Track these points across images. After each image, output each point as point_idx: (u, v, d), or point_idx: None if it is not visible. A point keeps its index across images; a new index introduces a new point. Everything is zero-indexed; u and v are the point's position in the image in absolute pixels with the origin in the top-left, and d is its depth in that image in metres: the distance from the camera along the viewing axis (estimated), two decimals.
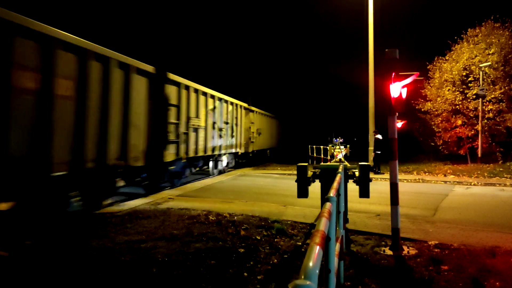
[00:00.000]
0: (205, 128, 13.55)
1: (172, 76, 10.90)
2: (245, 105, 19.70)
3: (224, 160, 16.62)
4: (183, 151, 11.57)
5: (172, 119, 10.86)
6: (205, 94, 13.61)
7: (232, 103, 17.12)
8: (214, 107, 14.62)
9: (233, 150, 17.53)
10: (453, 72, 20.62)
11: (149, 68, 9.66)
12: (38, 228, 6.08)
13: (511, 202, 9.54)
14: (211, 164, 15.16)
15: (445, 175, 15.54)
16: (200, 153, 13.13)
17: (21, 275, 4.29)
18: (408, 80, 5.59)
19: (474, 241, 5.65)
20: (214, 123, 14.50)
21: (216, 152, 14.95)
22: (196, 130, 12.67)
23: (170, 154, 10.65)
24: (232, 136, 17.17)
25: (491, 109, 19.46)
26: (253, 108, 21.10)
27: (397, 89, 5.46)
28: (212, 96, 14.41)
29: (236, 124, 17.82)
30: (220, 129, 15.29)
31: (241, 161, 19.68)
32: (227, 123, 16.25)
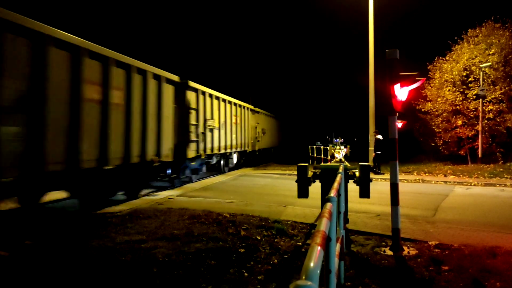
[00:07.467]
0: (219, 129, 15.07)
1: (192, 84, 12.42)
2: (251, 106, 21.42)
3: (234, 158, 18.45)
4: (201, 149, 13.17)
5: (193, 121, 12.47)
6: (217, 98, 15.23)
7: (240, 106, 18.77)
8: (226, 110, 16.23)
9: (241, 149, 19.05)
10: (454, 73, 20.60)
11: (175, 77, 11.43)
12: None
13: (511, 203, 9.54)
14: (222, 161, 16.77)
15: (445, 176, 15.52)
16: (215, 151, 14.71)
17: (21, 275, 4.29)
18: (415, 85, 5.61)
19: (475, 242, 5.65)
20: (225, 123, 15.97)
21: (228, 150, 16.58)
22: (211, 130, 14.22)
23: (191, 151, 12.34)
24: (241, 136, 18.77)
25: (491, 110, 19.45)
26: (257, 109, 22.90)
27: (405, 93, 5.47)
28: (224, 100, 15.95)
29: (244, 125, 19.36)
30: (230, 129, 16.79)
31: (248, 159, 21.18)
32: (236, 123, 17.75)
